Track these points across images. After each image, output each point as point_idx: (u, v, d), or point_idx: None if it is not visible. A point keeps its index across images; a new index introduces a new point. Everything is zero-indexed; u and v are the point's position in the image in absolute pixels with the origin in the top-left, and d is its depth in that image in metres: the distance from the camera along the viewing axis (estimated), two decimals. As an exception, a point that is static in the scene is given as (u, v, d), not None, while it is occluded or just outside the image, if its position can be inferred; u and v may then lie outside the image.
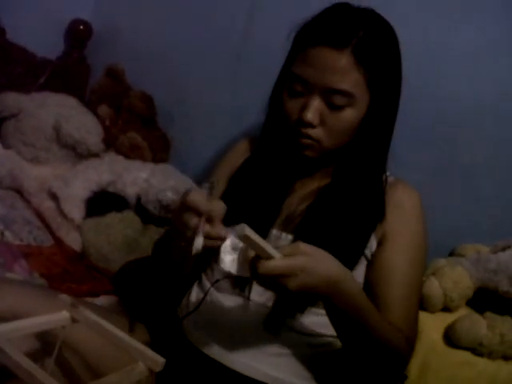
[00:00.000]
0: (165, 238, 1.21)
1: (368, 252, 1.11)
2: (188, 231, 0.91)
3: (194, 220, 0.91)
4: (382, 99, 1.08)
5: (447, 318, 1.23)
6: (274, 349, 1.10)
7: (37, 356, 0.95)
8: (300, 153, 1.11)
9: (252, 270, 0.86)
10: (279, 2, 1.70)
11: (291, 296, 0.93)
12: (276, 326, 1.10)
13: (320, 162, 1.16)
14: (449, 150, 1.48)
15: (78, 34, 2.17)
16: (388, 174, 1.18)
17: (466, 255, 1.35)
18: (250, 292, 1.12)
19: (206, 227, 0.90)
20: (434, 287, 1.25)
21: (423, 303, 1.25)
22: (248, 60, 1.78)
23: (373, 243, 1.11)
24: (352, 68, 1.03)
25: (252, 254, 0.87)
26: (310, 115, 1.05)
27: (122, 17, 2.22)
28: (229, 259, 0.90)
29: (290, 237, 1.13)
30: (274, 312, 1.10)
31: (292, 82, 1.08)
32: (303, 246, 0.87)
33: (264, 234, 1.12)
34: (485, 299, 1.26)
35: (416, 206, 1.14)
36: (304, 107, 1.06)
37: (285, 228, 1.14)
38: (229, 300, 1.14)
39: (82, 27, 2.17)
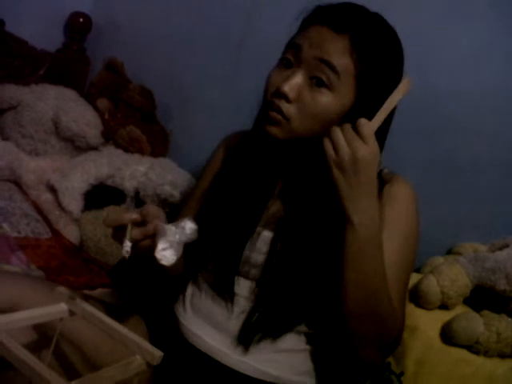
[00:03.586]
0: None
1: None
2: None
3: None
4: (369, 99, 1.03)
5: (444, 316, 1.23)
6: (270, 346, 1.10)
7: (34, 348, 0.95)
8: (264, 129, 1.05)
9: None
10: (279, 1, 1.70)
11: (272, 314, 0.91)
12: (249, 341, 1.09)
13: (299, 154, 1.11)
14: (446, 147, 1.48)
15: (77, 27, 2.18)
16: (382, 166, 1.14)
17: (464, 253, 1.36)
18: (232, 291, 1.11)
19: (135, 231, 0.92)
20: (431, 284, 1.25)
21: (420, 300, 1.26)
22: (248, 54, 1.79)
23: None
24: (346, 51, 1.00)
25: None
26: (288, 87, 1.01)
27: (121, 10, 2.22)
28: (168, 254, 0.92)
29: (270, 234, 1.10)
30: (249, 328, 1.09)
31: (285, 52, 1.06)
32: None
33: (250, 231, 1.11)
34: (482, 297, 1.26)
35: (408, 197, 1.11)
36: (285, 79, 1.03)
37: (266, 224, 1.12)
38: (216, 297, 1.14)
39: (81, 20, 2.17)
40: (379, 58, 1.03)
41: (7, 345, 0.77)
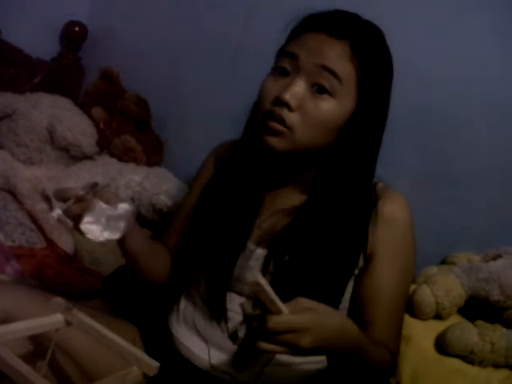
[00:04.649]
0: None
1: (355, 269, 1.08)
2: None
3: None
4: (369, 107, 1.02)
5: (438, 326, 1.23)
6: (261, 359, 1.08)
7: (30, 358, 0.95)
8: (262, 141, 1.01)
9: (259, 326, 0.80)
10: (277, 5, 1.70)
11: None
12: (242, 364, 1.08)
13: (295, 170, 1.10)
14: (439, 158, 1.49)
15: (73, 36, 2.18)
16: (376, 180, 1.11)
17: (458, 264, 1.36)
18: (224, 308, 1.10)
19: (76, 206, 0.95)
20: (425, 295, 1.25)
21: (414, 311, 1.26)
22: (244, 62, 1.79)
23: (360, 259, 1.07)
24: (347, 57, 0.98)
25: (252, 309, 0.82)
26: (289, 95, 0.97)
27: (117, 19, 2.22)
28: (94, 229, 0.96)
29: (264, 252, 1.08)
30: (241, 353, 1.08)
31: (279, 60, 1.02)
32: (305, 302, 0.83)
33: (240, 248, 1.10)
34: (476, 307, 1.26)
35: (407, 221, 1.08)
36: (285, 87, 0.99)
37: (259, 242, 1.10)
38: (207, 312, 1.13)
39: (77, 29, 2.17)
40: (378, 63, 1.02)
41: (3, 356, 0.77)
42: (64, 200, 0.97)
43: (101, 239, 0.98)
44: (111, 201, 0.98)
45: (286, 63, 1.01)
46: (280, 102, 0.98)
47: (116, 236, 0.99)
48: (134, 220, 1.08)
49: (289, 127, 0.99)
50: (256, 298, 0.81)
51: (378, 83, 1.03)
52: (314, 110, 0.98)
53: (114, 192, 1.02)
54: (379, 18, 1.08)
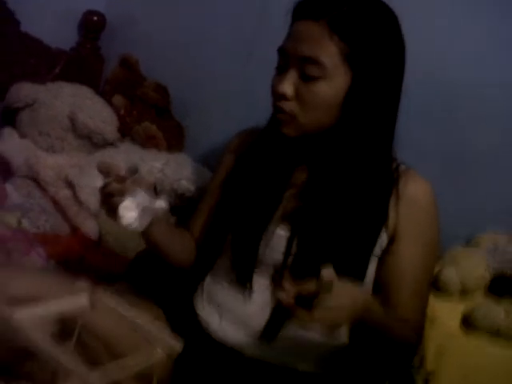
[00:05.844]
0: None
1: (378, 249, 1.09)
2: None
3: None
4: (367, 78, 1.04)
5: (464, 306, 1.22)
6: (292, 338, 1.10)
7: (56, 339, 0.96)
8: (279, 131, 1.09)
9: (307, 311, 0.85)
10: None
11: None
12: (272, 337, 1.11)
13: (312, 149, 1.13)
14: (463, 136, 1.47)
15: (91, 25, 2.18)
16: (399, 162, 1.13)
17: (483, 244, 1.35)
18: (251, 287, 1.13)
19: (115, 185, 0.99)
20: (450, 275, 1.24)
21: (440, 290, 1.25)
22: (262, 47, 1.77)
23: (383, 239, 1.09)
24: (326, 38, 1.01)
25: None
26: (284, 86, 1.04)
27: (135, 7, 2.22)
28: (130, 215, 0.98)
29: (286, 233, 1.11)
30: (272, 323, 1.10)
31: (278, 58, 1.09)
32: (341, 285, 0.87)
33: (262, 229, 1.12)
34: (502, 286, 1.25)
35: (430, 201, 1.10)
36: (280, 80, 1.06)
37: (281, 223, 1.12)
38: (233, 292, 1.15)
39: (95, 18, 2.17)
40: (365, 33, 1.03)
41: (31, 336, 0.78)
42: (105, 174, 1.00)
43: (130, 227, 0.99)
44: (147, 188, 1.01)
45: (281, 60, 1.08)
46: (278, 94, 1.05)
47: (140, 228, 1.02)
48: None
49: (292, 115, 1.05)
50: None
51: (369, 52, 1.03)
52: (308, 94, 1.03)
53: (150, 181, 1.06)
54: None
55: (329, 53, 1.01)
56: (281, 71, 1.08)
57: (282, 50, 1.07)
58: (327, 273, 0.83)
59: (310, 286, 0.85)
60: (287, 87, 1.04)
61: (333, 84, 1.03)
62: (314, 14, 1.02)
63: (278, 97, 1.06)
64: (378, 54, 1.04)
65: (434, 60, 1.44)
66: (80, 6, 2.16)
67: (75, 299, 0.93)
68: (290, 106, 1.05)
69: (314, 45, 1.02)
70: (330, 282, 0.83)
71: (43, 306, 0.89)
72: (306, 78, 1.03)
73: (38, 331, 0.80)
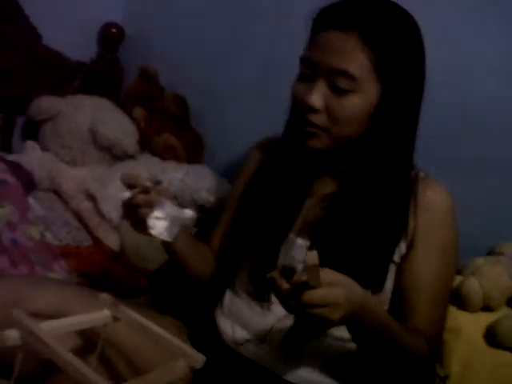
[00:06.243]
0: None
1: (397, 257, 1.08)
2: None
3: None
4: (395, 90, 1.03)
5: (487, 318, 1.21)
6: (312, 352, 1.10)
7: (80, 353, 0.97)
8: (304, 144, 1.06)
9: (295, 302, 0.82)
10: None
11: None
12: (294, 349, 1.09)
13: (336, 160, 1.12)
14: (484, 146, 1.46)
15: (110, 37, 2.21)
16: (417, 170, 1.12)
17: (506, 254, 1.33)
18: (269, 299, 1.12)
19: (141, 196, 1.00)
20: (473, 286, 1.23)
21: (462, 303, 1.24)
22: (280, 59, 1.78)
23: (402, 247, 1.08)
24: (357, 51, 0.99)
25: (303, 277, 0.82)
26: (313, 98, 1.01)
27: (153, 19, 2.24)
28: (160, 225, 0.99)
29: (306, 242, 1.10)
30: (292, 335, 1.09)
31: (300, 67, 1.06)
32: (332, 274, 0.85)
33: (281, 239, 1.12)
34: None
35: (449, 209, 1.09)
36: (307, 91, 1.03)
37: (301, 233, 1.12)
38: (252, 304, 1.15)
39: (114, 30, 2.20)
40: (395, 45, 1.01)
41: (57, 349, 0.78)
42: (129, 186, 1.00)
43: (160, 237, 1.00)
44: (169, 199, 1.02)
45: (305, 69, 1.05)
46: (306, 106, 1.02)
47: (170, 238, 1.02)
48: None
49: (323, 128, 1.03)
50: (283, 270, 0.84)
51: (398, 66, 1.02)
52: (339, 107, 1.01)
53: (171, 191, 1.06)
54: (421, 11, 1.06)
55: (360, 65, 0.99)
56: (304, 80, 1.05)
57: (307, 61, 1.04)
58: (311, 256, 0.79)
59: (300, 277, 0.81)
60: (316, 99, 1.01)
61: (364, 97, 1.01)
62: (343, 25, 1.00)
63: (306, 109, 1.03)
64: (406, 65, 1.03)
65: (456, 68, 1.43)
66: (99, 19, 2.19)
67: (98, 313, 0.94)
68: (319, 118, 1.03)
69: (345, 57, 0.99)
70: (315, 266, 0.80)
71: (67, 319, 0.90)
72: (336, 91, 1.01)
73: (63, 344, 0.81)
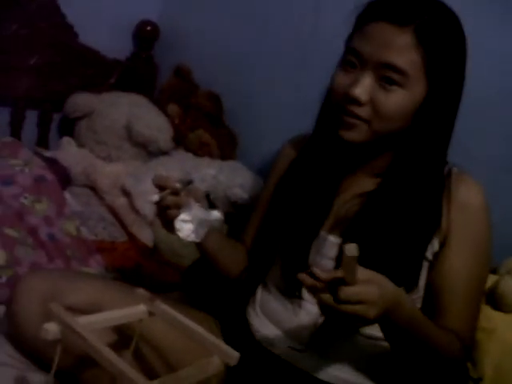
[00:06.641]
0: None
1: (429, 254, 1.07)
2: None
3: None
4: (441, 89, 1.02)
5: (524, 318, 1.19)
6: (342, 350, 1.10)
7: (115, 348, 0.98)
8: (338, 136, 1.04)
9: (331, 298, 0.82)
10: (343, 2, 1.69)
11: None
12: (319, 346, 1.10)
13: (369, 155, 1.11)
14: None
15: (145, 35, 2.23)
16: (450, 165, 1.11)
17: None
18: (301, 296, 1.12)
19: (170, 198, 1.02)
20: (508, 286, 1.21)
21: (497, 303, 1.22)
22: (313, 57, 1.78)
23: (435, 244, 1.07)
24: (411, 47, 0.98)
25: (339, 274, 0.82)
26: (359, 90, 0.99)
27: (188, 18, 2.25)
28: (187, 228, 1.01)
29: (337, 240, 1.10)
30: (322, 332, 1.09)
31: (346, 55, 1.04)
32: (366, 272, 0.84)
33: (313, 236, 1.12)
34: None
35: (482, 206, 1.07)
36: (353, 83, 1.01)
37: (332, 230, 1.12)
38: (284, 301, 1.15)
39: (149, 28, 2.22)
40: (446, 45, 1.01)
41: (93, 344, 0.80)
42: (160, 187, 1.02)
43: (188, 239, 1.02)
44: (199, 199, 1.04)
45: (352, 58, 1.02)
46: (350, 97, 1.00)
47: (197, 240, 1.04)
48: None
49: (366, 120, 1.02)
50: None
51: (446, 65, 1.02)
52: (385, 101, 1.00)
53: (202, 191, 1.08)
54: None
55: (411, 61, 0.98)
56: (348, 69, 1.03)
57: (355, 51, 1.02)
58: (350, 248, 0.79)
59: (337, 273, 0.81)
60: (362, 92, 0.99)
61: (411, 93, 1.00)
62: (399, 19, 0.98)
63: (349, 100, 1.01)
64: (453, 65, 1.03)
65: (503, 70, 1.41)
66: (134, 17, 2.21)
67: (134, 308, 0.96)
68: (364, 111, 1.01)
69: (397, 51, 0.97)
70: (352, 258, 0.79)
71: (104, 313, 0.92)
72: (383, 85, 1.00)
73: (99, 338, 0.83)
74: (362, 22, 1.04)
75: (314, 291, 0.85)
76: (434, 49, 0.99)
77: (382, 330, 0.96)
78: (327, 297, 0.82)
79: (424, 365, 1.02)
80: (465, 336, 1.04)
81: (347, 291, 0.80)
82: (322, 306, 0.85)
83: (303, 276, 0.84)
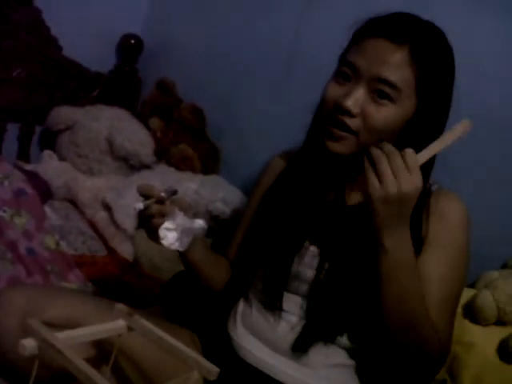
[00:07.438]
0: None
1: None
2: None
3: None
4: (429, 107, 1.04)
5: (501, 332, 1.20)
6: (321, 362, 1.10)
7: (94, 363, 0.97)
8: (325, 147, 1.06)
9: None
10: (328, 9, 1.71)
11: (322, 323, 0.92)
12: (303, 349, 1.10)
13: (356, 170, 1.10)
14: (500, 158, 1.46)
15: (129, 49, 2.23)
16: (431, 182, 1.13)
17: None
18: (281, 308, 1.13)
19: (155, 206, 1.02)
20: (486, 300, 1.23)
21: (476, 316, 1.24)
22: (297, 70, 1.80)
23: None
24: (405, 64, 1.00)
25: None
26: (350, 102, 1.01)
27: (172, 31, 2.26)
28: (171, 236, 1.02)
29: (316, 249, 1.12)
30: (302, 337, 1.10)
31: (341, 67, 1.06)
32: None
33: (298, 248, 1.13)
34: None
35: (462, 218, 1.09)
36: (346, 94, 1.02)
37: (313, 240, 1.13)
38: (265, 314, 1.16)
39: (132, 41, 2.22)
40: (437, 64, 1.04)
41: (72, 359, 0.79)
42: (144, 196, 1.02)
43: (172, 247, 1.02)
44: (184, 209, 1.04)
45: (347, 70, 1.04)
46: (342, 108, 1.02)
47: (181, 248, 1.05)
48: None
49: (352, 132, 1.03)
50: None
51: (437, 83, 1.04)
52: (375, 115, 1.02)
53: (187, 201, 1.08)
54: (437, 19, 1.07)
55: (405, 78, 1.01)
56: (341, 81, 1.05)
57: (350, 64, 1.04)
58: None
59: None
60: (354, 104, 1.01)
61: (400, 109, 1.03)
62: (397, 37, 1.01)
63: (341, 111, 1.02)
64: (442, 85, 1.06)
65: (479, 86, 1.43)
66: (118, 30, 2.22)
67: (113, 323, 0.95)
68: (354, 122, 1.02)
69: (392, 67, 1.00)
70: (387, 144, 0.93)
71: (83, 329, 0.91)
72: (375, 98, 1.02)
73: (78, 354, 0.82)
74: (360, 36, 1.06)
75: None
76: (426, 67, 1.02)
77: (384, 264, 0.98)
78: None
79: (401, 354, 1.03)
80: (441, 337, 1.04)
81: (407, 156, 0.93)
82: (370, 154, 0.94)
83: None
